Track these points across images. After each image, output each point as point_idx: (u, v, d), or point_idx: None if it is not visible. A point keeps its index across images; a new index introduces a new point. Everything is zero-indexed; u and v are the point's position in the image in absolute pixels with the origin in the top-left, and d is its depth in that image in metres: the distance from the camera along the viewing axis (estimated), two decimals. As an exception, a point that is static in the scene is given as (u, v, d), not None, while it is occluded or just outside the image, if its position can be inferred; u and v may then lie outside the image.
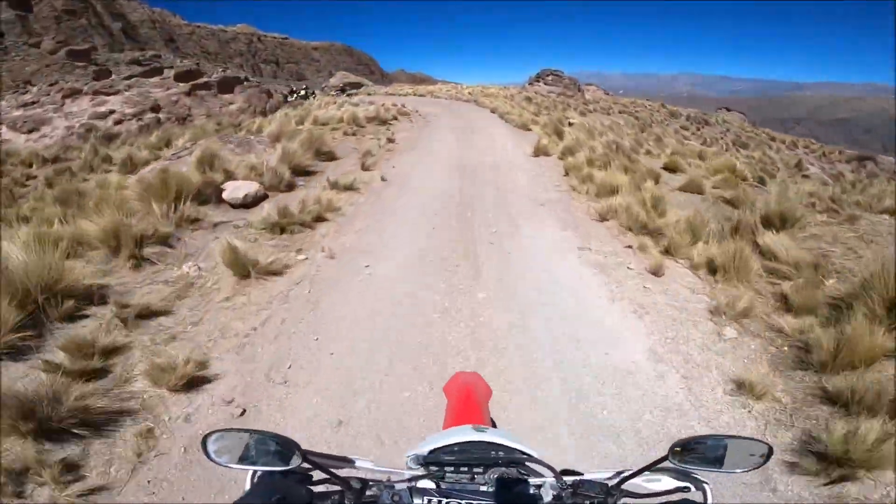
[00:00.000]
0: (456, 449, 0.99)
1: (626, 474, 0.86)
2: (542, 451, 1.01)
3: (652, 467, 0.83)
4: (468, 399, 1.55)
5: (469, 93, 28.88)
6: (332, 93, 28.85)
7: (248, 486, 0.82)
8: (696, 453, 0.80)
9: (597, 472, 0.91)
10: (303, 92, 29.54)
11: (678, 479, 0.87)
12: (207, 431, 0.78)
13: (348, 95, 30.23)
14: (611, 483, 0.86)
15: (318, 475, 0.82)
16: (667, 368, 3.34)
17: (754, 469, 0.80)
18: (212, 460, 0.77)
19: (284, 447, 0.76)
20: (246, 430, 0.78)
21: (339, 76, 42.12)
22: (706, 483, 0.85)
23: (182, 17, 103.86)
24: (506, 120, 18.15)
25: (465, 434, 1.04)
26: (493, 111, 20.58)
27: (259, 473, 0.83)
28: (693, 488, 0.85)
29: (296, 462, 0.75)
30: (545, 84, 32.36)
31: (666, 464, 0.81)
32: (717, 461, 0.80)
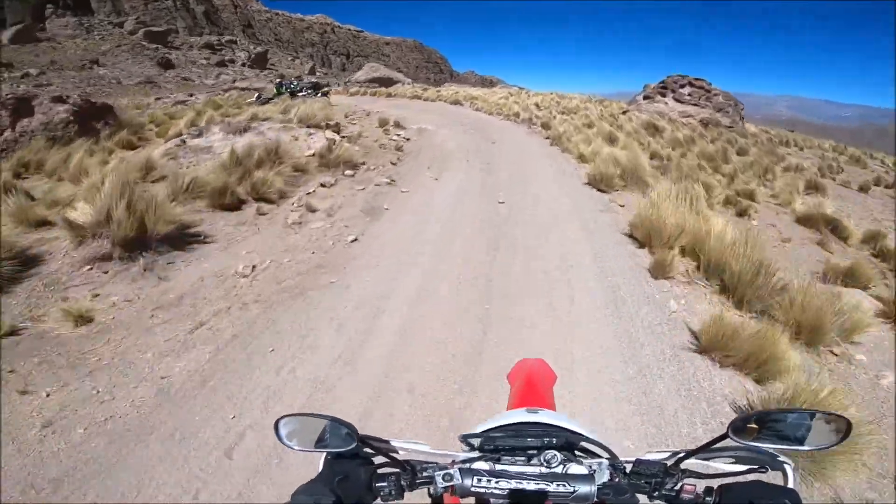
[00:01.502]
0: (510, 431, 0.93)
1: (684, 454, 0.81)
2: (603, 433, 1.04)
3: (712, 445, 0.77)
4: (531, 385, 1.49)
5: (536, 104, 19.58)
6: (304, 92, 20.92)
7: (320, 468, 0.83)
8: (768, 429, 0.72)
9: (656, 453, 0.85)
10: (297, 87, 21.95)
11: (751, 458, 0.79)
12: (279, 416, 0.80)
13: (323, 94, 22.20)
14: (669, 463, 0.81)
15: (381, 458, 0.83)
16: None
17: (831, 446, 0.71)
18: (283, 443, 0.81)
19: (347, 431, 0.78)
20: (312, 415, 0.80)
21: (366, 69, 34.40)
22: (787, 462, 0.76)
23: (262, 3, 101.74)
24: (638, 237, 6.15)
25: (518, 416, 1.00)
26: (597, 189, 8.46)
27: (328, 456, 0.84)
28: (769, 468, 0.78)
29: (354, 445, 0.78)
30: (677, 100, 19.19)
31: (728, 442, 0.74)
32: (792, 438, 0.72)
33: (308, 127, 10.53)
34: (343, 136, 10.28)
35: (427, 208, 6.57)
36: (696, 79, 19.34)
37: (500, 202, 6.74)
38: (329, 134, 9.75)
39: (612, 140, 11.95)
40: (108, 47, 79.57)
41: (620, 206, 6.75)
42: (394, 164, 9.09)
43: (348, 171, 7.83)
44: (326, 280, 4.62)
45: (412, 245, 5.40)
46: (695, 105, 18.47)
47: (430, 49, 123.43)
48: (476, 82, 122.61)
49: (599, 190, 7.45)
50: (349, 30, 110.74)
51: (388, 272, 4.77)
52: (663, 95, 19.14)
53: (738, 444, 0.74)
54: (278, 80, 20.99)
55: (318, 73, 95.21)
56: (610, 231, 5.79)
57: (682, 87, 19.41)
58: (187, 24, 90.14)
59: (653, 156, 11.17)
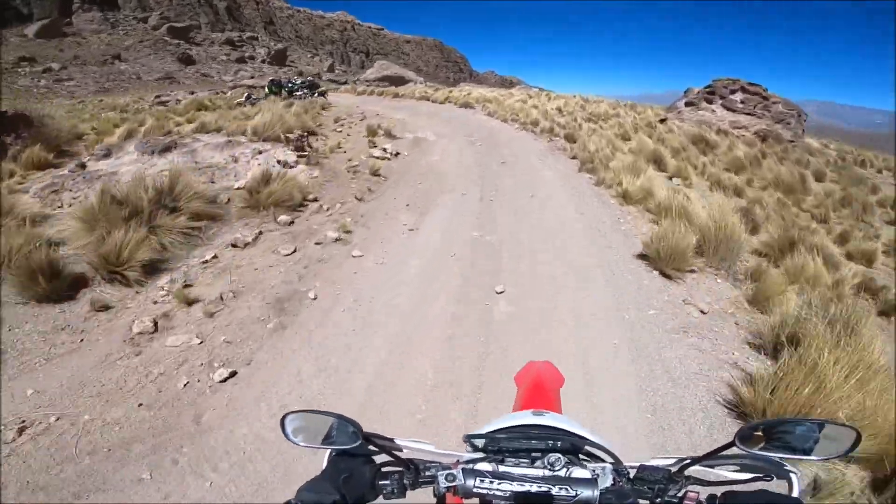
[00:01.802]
0: (514, 432, 0.92)
1: (689, 460, 0.78)
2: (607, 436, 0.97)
3: (718, 453, 0.75)
4: (538, 387, 1.47)
5: (558, 109, 16.89)
6: (300, 92, 18.61)
7: (324, 465, 0.82)
8: (776, 439, 0.71)
9: (661, 459, 0.83)
10: (296, 87, 19.65)
11: (756, 466, 0.78)
12: (286, 412, 0.80)
13: (320, 94, 19.79)
14: (674, 469, 0.79)
15: (384, 456, 0.82)
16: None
17: (838, 457, 0.70)
18: (288, 439, 0.80)
19: (350, 429, 0.77)
20: (319, 412, 0.80)
21: (377, 67, 31.90)
22: (793, 472, 0.75)
23: (284, 0, 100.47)
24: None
25: (523, 418, 0.98)
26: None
27: (332, 453, 0.83)
28: (774, 477, 0.77)
29: (358, 443, 0.77)
30: (727, 108, 16.15)
31: (734, 450, 0.73)
32: (799, 448, 0.70)
33: (264, 141, 8.06)
34: (305, 154, 7.78)
35: (378, 298, 3.97)
36: (750, 84, 15.93)
37: (497, 291, 4.11)
38: (282, 154, 7.26)
39: (658, 161, 9.15)
40: (130, 42, 79.31)
41: (701, 312, 3.95)
42: (360, 198, 6.53)
43: (283, 217, 5.29)
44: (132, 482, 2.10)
45: (321, 398, 2.86)
46: (749, 114, 15.21)
47: (450, 48, 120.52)
48: (496, 83, 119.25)
49: (663, 274, 4.47)
50: (369, 28, 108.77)
51: (251, 479, 2.23)
52: (710, 102, 15.99)
53: (743, 453, 0.72)
54: (270, 79, 18.77)
55: (336, 71, 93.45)
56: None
57: (734, 92, 16.05)
58: (210, 19, 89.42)
59: (715, 185, 8.35)
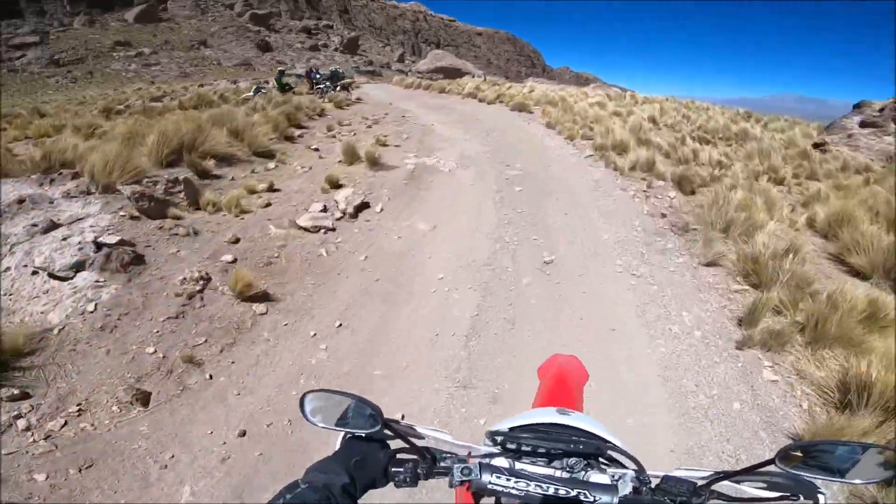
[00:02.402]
0: (537, 431, 0.88)
1: (718, 475, 0.75)
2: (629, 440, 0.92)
3: (754, 470, 0.73)
4: (561, 382, 1.41)
5: (651, 119, 11.77)
6: (324, 85, 14.79)
7: (337, 447, 0.80)
8: (813, 459, 0.68)
9: (688, 471, 0.79)
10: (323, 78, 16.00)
11: (784, 485, 0.74)
12: (306, 391, 0.77)
13: (343, 89, 15.80)
14: (700, 483, 0.75)
15: (398, 443, 0.80)
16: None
17: (877, 482, 0.68)
18: (306, 419, 0.77)
19: (371, 413, 0.75)
20: (339, 393, 0.77)
21: (430, 57, 27.49)
22: (822, 492, 0.72)
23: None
24: None
25: (547, 416, 0.92)
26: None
27: (346, 436, 0.81)
28: (802, 496, 0.73)
29: (376, 427, 0.74)
30: None
31: (771, 468, 0.70)
32: (836, 470, 0.67)
33: (105, 191, 4.12)
34: (157, 215, 3.75)
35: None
36: None
37: None
38: (101, 225, 3.26)
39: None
40: (216, 29, 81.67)
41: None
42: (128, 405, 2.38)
43: None
44: None
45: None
46: None
47: (524, 42, 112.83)
48: (569, 79, 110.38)
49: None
50: (441, 19, 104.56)
51: None
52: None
53: (776, 471, 0.71)
54: (280, 68, 15.26)
55: (406, 62, 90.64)
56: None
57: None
58: (289, 7, 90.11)
59: None
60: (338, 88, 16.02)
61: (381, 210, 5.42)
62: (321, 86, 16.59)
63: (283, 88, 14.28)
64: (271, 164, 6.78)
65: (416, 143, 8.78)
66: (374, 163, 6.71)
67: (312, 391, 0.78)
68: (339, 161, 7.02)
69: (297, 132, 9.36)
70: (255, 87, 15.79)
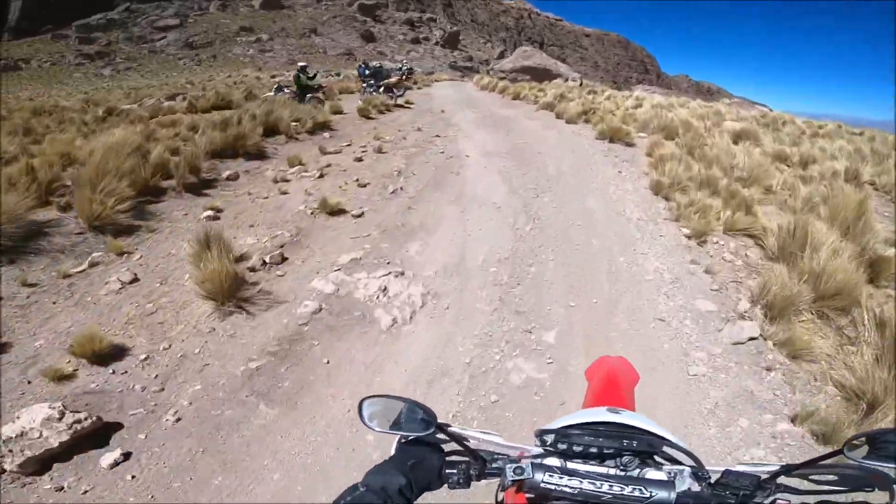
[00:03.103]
0: (588, 429, 0.83)
1: (782, 468, 0.70)
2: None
3: (820, 461, 0.68)
4: (611, 383, 1.32)
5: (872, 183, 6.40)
6: (366, 84, 11.55)
7: (394, 450, 0.79)
8: (883, 448, 0.64)
9: (750, 466, 0.73)
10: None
11: (854, 476, 0.69)
12: (364, 397, 0.77)
13: (388, 90, 12.04)
14: (764, 476, 0.71)
15: (452, 445, 0.78)
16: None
17: None
18: (365, 424, 0.77)
19: (425, 416, 0.74)
20: (394, 398, 0.77)
21: (517, 54, 22.88)
22: None
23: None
24: None
25: (598, 415, 0.87)
26: None
27: (402, 440, 0.80)
28: (877, 488, 0.68)
29: (430, 430, 0.73)
30: None
31: (840, 458, 0.66)
32: None
33: None
34: None
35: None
36: None
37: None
38: None
39: None
40: (327, 18, 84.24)
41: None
42: None
43: None
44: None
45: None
46: None
47: (636, 46, 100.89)
48: (688, 88, 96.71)
49: None
50: (547, 17, 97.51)
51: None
52: None
53: (844, 463, 0.66)
54: (302, 64, 12.09)
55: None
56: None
57: None
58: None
59: None
60: (381, 90, 12.50)
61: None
62: (364, 84, 13.25)
63: (304, 91, 11.11)
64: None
65: (398, 210, 4.89)
66: (230, 294, 2.95)
67: (369, 397, 0.77)
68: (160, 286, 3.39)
69: (252, 167, 5.99)
70: (276, 86, 12.90)
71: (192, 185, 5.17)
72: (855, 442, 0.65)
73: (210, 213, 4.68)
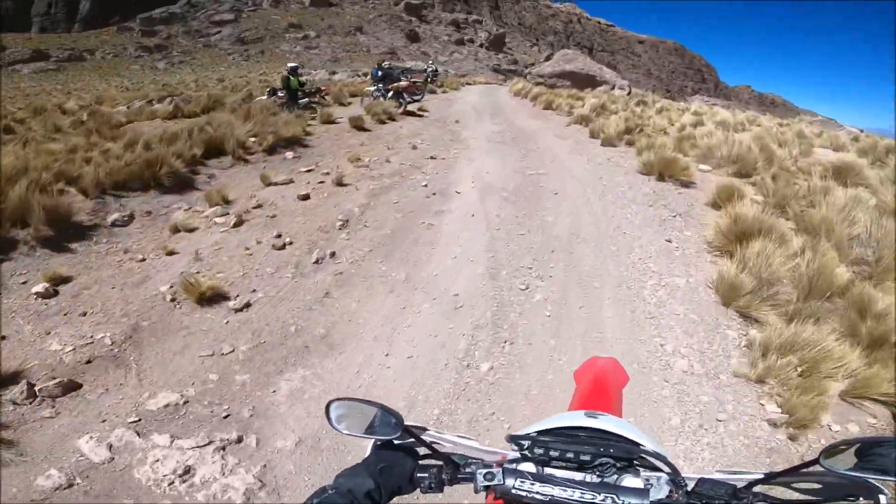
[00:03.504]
0: (564, 435, 0.82)
1: (760, 477, 0.69)
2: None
3: (798, 470, 0.68)
4: (599, 385, 1.30)
5: None
6: (375, 87, 10.09)
7: (367, 453, 0.78)
8: (863, 457, 0.62)
9: (726, 474, 0.72)
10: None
11: (838, 486, 0.68)
12: (330, 399, 0.75)
13: (397, 95, 10.31)
14: (739, 485, 0.70)
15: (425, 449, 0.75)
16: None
17: None
18: (332, 426, 0.76)
19: (392, 420, 0.73)
20: (363, 402, 0.76)
21: (557, 57, 20.55)
22: (883, 491, 0.65)
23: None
24: None
25: (574, 419, 0.86)
26: None
27: (376, 443, 0.79)
28: (861, 497, 0.67)
29: (397, 433, 0.73)
30: None
31: (816, 468, 0.64)
32: (888, 470, 0.60)
33: None
34: None
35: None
36: None
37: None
38: None
39: None
40: (373, 16, 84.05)
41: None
42: None
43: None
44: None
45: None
46: None
47: (694, 54, 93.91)
48: (750, 100, 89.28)
49: None
50: (598, 22, 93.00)
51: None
52: None
53: (824, 472, 0.63)
54: (292, 64, 10.49)
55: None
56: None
57: None
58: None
59: None
60: (389, 94, 10.80)
61: None
62: (372, 88, 11.58)
63: (294, 95, 9.58)
64: None
65: (305, 301, 3.10)
66: None
67: (337, 399, 0.75)
68: None
69: (162, 204, 4.43)
70: (269, 90, 11.46)
71: (58, 236, 3.65)
72: (835, 451, 0.63)
73: (45, 286, 3.12)
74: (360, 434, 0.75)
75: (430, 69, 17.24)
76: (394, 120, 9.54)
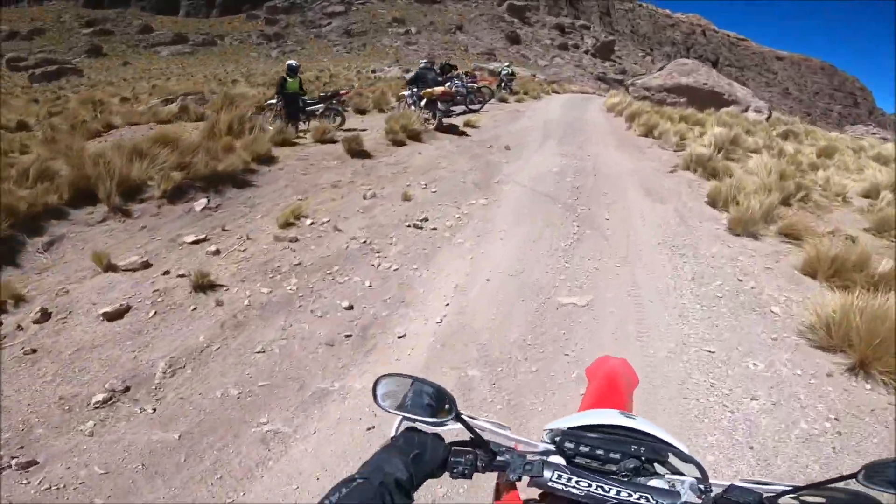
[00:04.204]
0: (599, 431, 0.80)
1: (789, 488, 0.68)
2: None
3: (830, 483, 0.65)
4: (612, 384, 1.26)
5: None
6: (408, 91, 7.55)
7: (393, 433, 0.73)
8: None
9: (761, 484, 0.71)
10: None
11: (869, 502, 0.65)
12: (380, 375, 0.73)
13: (429, 103, 7.39)
14: (768, 495, 0.68)
15: (452, 434, 0.73)
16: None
17: None
18: (377, 403, 0.73)
19: (442, 401, 0.71)
20: (412, 378, 0.74)
21: (670, 67, 16.23)
22: None
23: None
24: None
25: (610, 417, 0.84)
26: None
27: (406, 424, 0.74)
28: None
29: (447, 418, 0.70)
30: None
31: (851, 483, 0.62)
32: None
33: None
34: None
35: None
36: None
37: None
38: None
39: None
40: (474, 15, 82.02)
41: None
42: None
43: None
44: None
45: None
46: None
47: (846, 75, 77.70)
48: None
49: None
50: (726, 35, 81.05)
51: None
52: None
53: (859, 489, 0.63)
54: (291, 62, 8.08)
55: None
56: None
57: None
58: (549, 2, 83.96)
59: None
60: (422, 103, 8.23)
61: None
62: (406, 93, 9.10)
63: (293, 102, 7.38)
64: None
65: None
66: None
67: (386, 375, 0.74)
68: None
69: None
70: (268, 109, 9.37)
71: None
72: (876, 468, 0.61)
73: None
74: (404, 413, 0.70)
75: (505, 71, 14.34)
76: (418, 140, 7.01)
